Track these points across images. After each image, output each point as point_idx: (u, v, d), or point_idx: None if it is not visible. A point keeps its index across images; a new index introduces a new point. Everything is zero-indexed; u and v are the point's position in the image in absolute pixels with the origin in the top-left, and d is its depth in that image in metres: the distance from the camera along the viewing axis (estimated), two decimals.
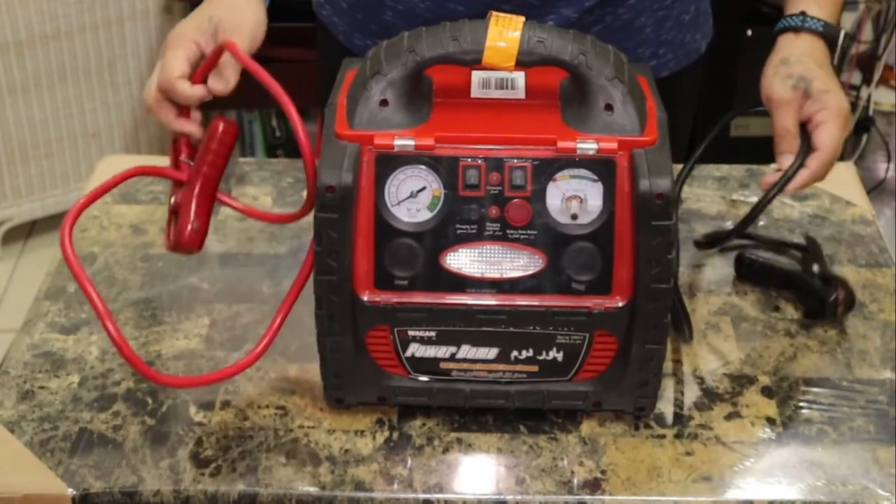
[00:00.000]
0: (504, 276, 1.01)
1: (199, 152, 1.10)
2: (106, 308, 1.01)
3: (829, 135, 1.13)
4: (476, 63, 0.99)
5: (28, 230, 2.82)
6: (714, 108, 2.69)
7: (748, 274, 1.25)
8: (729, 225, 1.32)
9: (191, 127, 1.13)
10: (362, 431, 1.07)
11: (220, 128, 1.09)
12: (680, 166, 1.40)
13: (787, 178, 1.12)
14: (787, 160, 1.14)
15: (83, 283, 1.01)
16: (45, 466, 1.03)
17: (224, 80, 1.12)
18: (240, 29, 1.15)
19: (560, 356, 1.04)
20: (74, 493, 1.01)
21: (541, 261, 1.01)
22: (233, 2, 1.18)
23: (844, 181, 1.39)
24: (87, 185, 1.39)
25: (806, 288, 1.21)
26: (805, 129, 1.15)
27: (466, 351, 1.04)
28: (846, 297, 1.18)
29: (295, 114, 1.01)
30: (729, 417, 1.08)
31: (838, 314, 1.19)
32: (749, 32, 2.63)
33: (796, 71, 1.15)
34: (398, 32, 1.26)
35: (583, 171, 0.99)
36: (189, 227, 1.08)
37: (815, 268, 1.22)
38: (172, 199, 1.12)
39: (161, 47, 1.16)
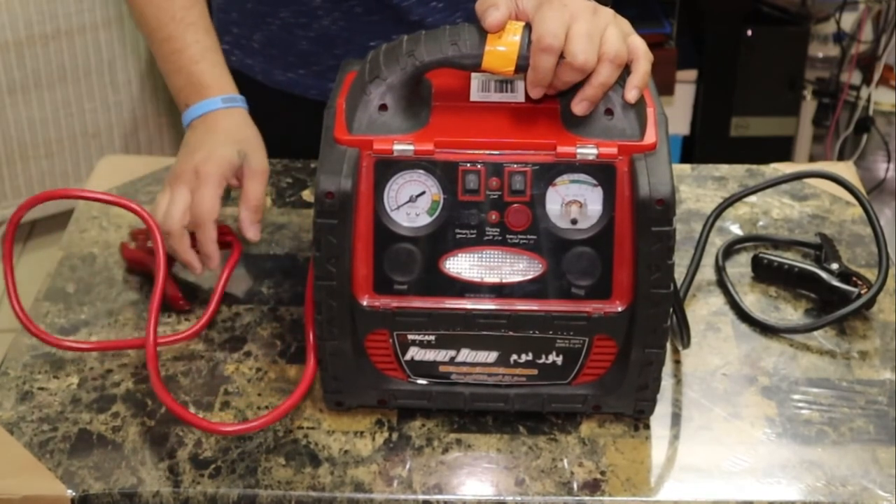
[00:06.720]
0: (503, 280, 1.01)
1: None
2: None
3: (540, 19, 0.98)
4: (475, 67, 0.99)
5: (28, 230, 2.81)
6: (714, 108, 2.71)
7: (766, 274, 1.25)
8: (728, 225, 1.32)
9: (196, 262, 1.17)
10: (362, 432, 1.07)
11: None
12: (679, 167, 1.40)
13: None
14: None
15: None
16: (45, 467, 1.03)
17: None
18: (261, 155, 1.20)
19: (560, 360, 1.04)
20: (74, 494, 1.01)
21: (540, 265, 1.01)
22: (245, 129, 1.22)
23: None
24: (87, 184, 1.39)
25: (827, 286, 1.20)
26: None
27: (466, 355, 1.04)
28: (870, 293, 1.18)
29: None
30: (729, 418, 1.08)
31: (864, 310, 1.19)
32: (749, 32, 2.63)
33: None
34: (317, 58, 1.24)
35: (583, 176, 0.99)
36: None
37: (835, 266, 1.22)
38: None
39: (184, 171, 1.17)
